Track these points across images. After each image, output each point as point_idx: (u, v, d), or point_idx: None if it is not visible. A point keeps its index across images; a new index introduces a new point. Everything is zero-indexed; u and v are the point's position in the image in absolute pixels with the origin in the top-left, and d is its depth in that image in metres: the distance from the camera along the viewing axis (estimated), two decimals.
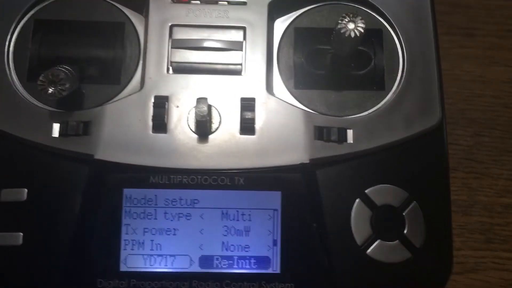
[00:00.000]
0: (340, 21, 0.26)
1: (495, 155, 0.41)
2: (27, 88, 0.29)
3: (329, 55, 0.29)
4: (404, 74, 0.30)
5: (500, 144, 0.41)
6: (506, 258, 0.38)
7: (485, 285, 0.38)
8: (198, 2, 0.29)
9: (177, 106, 0.28)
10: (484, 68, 0.43)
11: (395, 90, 0.29)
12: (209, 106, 0.27)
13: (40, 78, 0.26)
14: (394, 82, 0.29)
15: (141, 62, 0.29)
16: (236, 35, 0.29)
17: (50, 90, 0.25)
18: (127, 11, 0.30)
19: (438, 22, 0.43)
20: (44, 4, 0.30)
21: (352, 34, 0.26)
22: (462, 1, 0.45)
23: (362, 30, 0.26)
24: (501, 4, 0.45)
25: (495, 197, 0.40)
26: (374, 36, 0.30)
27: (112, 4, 0.30)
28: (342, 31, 0.25)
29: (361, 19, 0.26)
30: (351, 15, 0.26)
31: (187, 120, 0.27)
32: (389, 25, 0.30)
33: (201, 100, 0.26)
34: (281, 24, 0.30)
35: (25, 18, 0.30)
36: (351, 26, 0.26)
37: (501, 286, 0.38)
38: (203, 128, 0.27)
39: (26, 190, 0.27)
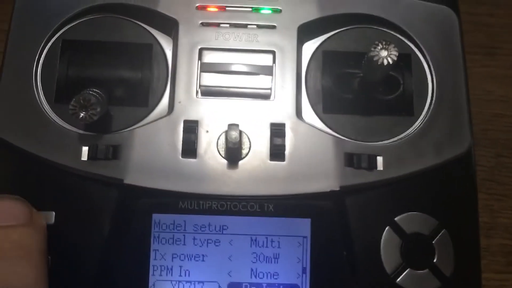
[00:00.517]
0: (373, 49, 0.26)
1: None
2: (54, 110, 0.28)
3: (358, 79, 0.29)
4: (434, 99, 0.29)
5: None
6: None
7: None
8: (228, 25, 0.29)
9: (207, 131, 0.27)
10: (506, 88, 0.43)
11: (424, 116, 0.29)
12: (240, 132, 0.26)
13: (72, 102, 0.25)
14: (424, 107, 0.29)
15: (169, 84, 0.29)
16: (266, 59, 0.28)
17: (82, 115, 0.25)
18: (155, 32, 0.30)
19: None
20: (72, 24, 0.30)
21: (385, 62, 0.26)
22: (484, 20, 0.45)
23: (395, 58, 0.26)
24: None
25: None
26: (403, 60, 0.30)
27: (140, 25, 0.30)
28: (374, 58, 0.25)
29: (394, 47, 0.26)
30: (383, 43, 0.26)
31: (217, 146, 0.27)
32: (417, 49, 0.30)
33: (232, 127, 0.25)
34: (309, 47, 0.30)
35: (53, 39, 0.30)
36: (384, 53, 0.26)
37: None
38: (234, 154, 0.26)
39: (54, 213, 0.27)
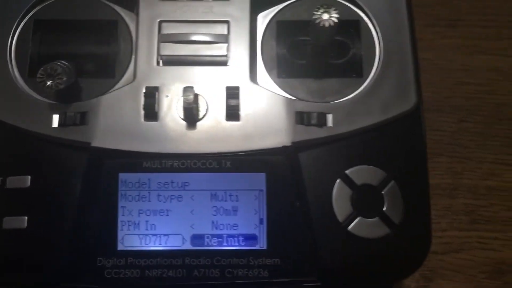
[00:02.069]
0: (315, 13, 0.28)
1: (479, 140, 0.43)
2: (28, 83, 0.31)
3: (310, 45, 0.31)
4: (381, 61, 0.31)
5: (484, 129, 0.43)
6: (490, 238, 0.40)
7: (471, 264, 0.39)
8: None
9: (167, 96, 0.30)
10: (468, 57, 0.45)
11: (372, 77, 0.31)
12: (196, 95, 0.29)
13: (39, 72, 0.28)
14: (372, 69, 0.31)
15: (133, 56, 0.31)
16: (221, 29, 0.31)
17: (48, 83, 0.28)
18: (119, 9, 0.32)
19: (422, 14, 0.45)
20: (42, 5, 0.32)
21: (327, 24, 0.28)
22: None
23: (336, 20, 0.28)
24: None
25: (479, 180, 0.42)
26: (352, 26, 0.32)
27: (106, 3, 0.32)
28: (317, 21, 0.27)
29: (334, 10, 0.28)
30: (325, 6, 0.28)
31: (176, 109, 0.29)
32: (366, 16, 0.32)
33: (187, 89, 0.28)
34: (264, 18, 0.32)
35: (26, 19, 0.32)
36: (325, 16, 0.28)
37: (486, 265, 0.39)
38: (191, 115, 0.29)
39: (29, 177, 0.29)
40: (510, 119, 0.43)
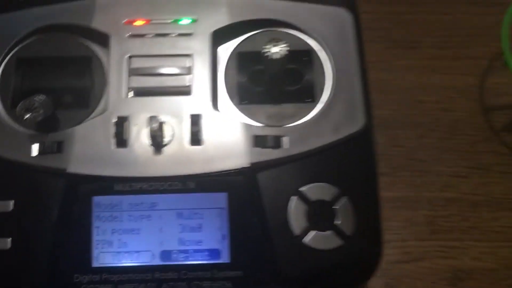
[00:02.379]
0: (264, 46, 0.31)
1: (437, 154, 0.45)
2: (10, 115, 0.34)
3: (266, 74, 0.34)
4: (332, 87, 0.34)
5: (441, 144, 0.46)
6: (450, 246, 0.43)
7: (432, 271, 0.42)
8: (152, 35, 0.34)
9: (136, 125, 0.33)
10: (426, 77, 0.48)
11: (324, 101, 0.34)
12: (161, 123, 0.31)
13: (18, 106, 0.31)
14: (323, 94, 0.34)
15: (106, 89, 0.34)
16: (185, 62, 0.34)
17: (26, 116, 0.31)
18: (93, 46, 0.35)
19: (382, 38, 0.48)
20: (24, 43, 0.35)
21: (274, 57, 0.31)
22: (403, 18, 0.50)
23: (284, 53, 0.31)
24: (438, 18, 0.50)
25: (437, 192, 0.44)
26: (305, 56, 0.35)
27: (81, 41, 0.35)
28: (265, 54, 0.31)
29: (283, 43, 0.31)
30: (274, 40, 0.31)
31: (144, 136, 0.32)
32: (318, 46, 0.35)
33: (152, 118, 0.31)
34: (226, 50, 0.36)
35: (8, 56, 0.35)
36: (274, 49, 0.31)
37: (446, 272, 0.42)
38: (157, 141, 0.31)
39: (12, 201, 0.32)
40: (464, 134, 0.46)
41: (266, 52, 0.31)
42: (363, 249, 0.33)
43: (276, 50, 0.31)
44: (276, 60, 0.31)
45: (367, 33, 0.48)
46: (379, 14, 0.50)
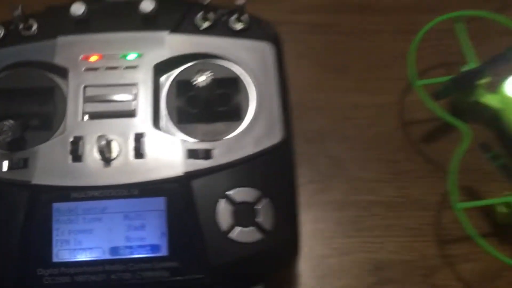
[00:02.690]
0: (194, 76, 0.38)
1: (362, 163, 0.52)
2: None
3: (199, 98, 0.41)
4: (255, 108, 0.41)
5: (366, 154, 0.52)
6: (372, 242, 0.49)
7: (356, 264, 0.48)
8: (104, 68, 0.41)
9: (89, 143, 0.39)
10: (353, 96, 0.55)
11: (248, 120, 0.41)
12: (109, 141, 0.38)
13: None
14: (247, 114, 0.41)
15: (65, 113, 0.41)
16: (131, 90, 0.41)
17: None
18: (56, 78, 0.42)
19: (317, 62, 0.55)
20: None
21: (204, 84, 0.38)
22: (336, 46, 0.57)
23: (210, 80, 0.38)
24: (365, 45, 0.57)
25: (363, 196, 0.51)
26: (233, 82, 0.42)
27: (45, 74, 0.42)
28: (193, 83, 0.38)
29: (209, 72, 0.38)
30: (201, 71, 0.38)
31: (95, 152, 0.39)
32: (243, 73, 0.42)
33: (100, 137, 0.38)
34: (167, 79, 0.42)
35: None
36: (201, 78, 0.38)
37: (369, 264, 0.48)
38: (105, 156, 0.38)
39: None
40: (386, 145, 0.52)
41: (195, 81, 0.38)
42: (281, 241, 0.39)
43: (203, 78, 0.38)
44: (204, 87, 0.38)
45: (305, 60, 0.56)
46: (314, 42, 0.57)
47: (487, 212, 0.48)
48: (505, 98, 0.49)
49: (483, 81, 0.49)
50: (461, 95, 0.50)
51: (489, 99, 0.50)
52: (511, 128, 0.48)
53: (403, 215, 0.49)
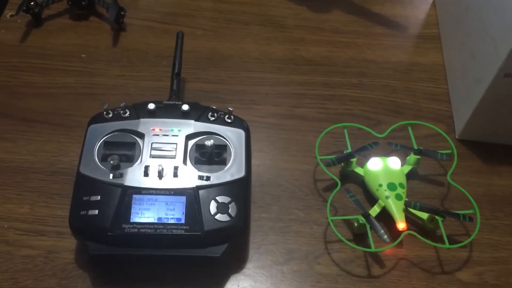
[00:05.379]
0: (205, 142, 0.82)
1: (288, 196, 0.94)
2: (102, 164, 0.82)
3: (206, 152, 0.84)
4: (232, 159, 0.85)
5: (294, 192, 0.94)
6: (288, 237, 0.89)
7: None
8: (161, 135, 0.85)
9: (152, 169, 0.82)
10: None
11: (229, 165, 0.84)
12: (161, 168, 0.81)
13: (108, 159, 0.80)
14: (228, 162, 0.84)
15: (140, 155, 0.84)
16: (174, 146, 0.84)
17: (110, 162, 0.80)
18: (138, 138, 0.86)
19: (270, 144, 1.00)
20: (107, 136, 0.86)
21: (209, 145, 0.82)
22: (283, 136, 1.02)
23: (212, 144, 0.82)
24: (298, 138, 1.02)
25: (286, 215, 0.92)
26: (224, 147, 0.86)
27: (132, 136, 0.86)
28: (204, 145, 0.82)
29: (212, 141, 0.82)
30: (207, 139, 0.82)
31: (155, 173, 0.81)
32: (228, 143, 0.86)
33: (158, 166, 0.80)
34: (192, 142, 0.86)
35: (100, 141, 0.85)
36: (208, 143, 0.82)
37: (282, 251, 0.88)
38: (159, 175, 0.80)
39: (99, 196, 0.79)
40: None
41: (204, 144, 0.82)
42: (240, 222, 0.80)
43: (209, 143, 0.82)
44: (209, 147, 0.82)
45: (263, 142, 1.00)
46: (271, 134, 1.02)
47: (349, 224, 0.89)
48: (367, 170, 0.93)
49: (354, 159, 0.93)
50: (344, 166, 0.94)
51: (358, 170, 0.94)
52: (368, 186, 0.91)
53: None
